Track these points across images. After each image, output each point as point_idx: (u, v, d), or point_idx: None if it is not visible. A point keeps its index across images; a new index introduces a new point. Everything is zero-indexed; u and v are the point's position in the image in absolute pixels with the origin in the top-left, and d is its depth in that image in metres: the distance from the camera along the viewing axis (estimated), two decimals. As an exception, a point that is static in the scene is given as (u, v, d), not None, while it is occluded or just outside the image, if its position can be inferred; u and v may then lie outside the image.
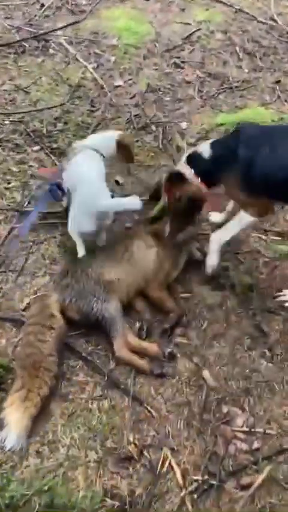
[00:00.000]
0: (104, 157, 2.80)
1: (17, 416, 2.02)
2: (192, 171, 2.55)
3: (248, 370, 2.44)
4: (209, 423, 2.25)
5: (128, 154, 2.92)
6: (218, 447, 2.17)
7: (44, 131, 3.54)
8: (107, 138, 2.87)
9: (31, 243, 2.83)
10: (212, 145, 2.56)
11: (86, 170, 2.65)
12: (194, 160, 2.58)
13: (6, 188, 3.12)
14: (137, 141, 3.57)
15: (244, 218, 2.59)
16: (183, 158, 2.64)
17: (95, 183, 2.62)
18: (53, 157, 3.35)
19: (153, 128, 3.72)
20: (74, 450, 2.08)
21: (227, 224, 2.67)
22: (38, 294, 2.57)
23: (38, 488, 1.94)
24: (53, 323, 2.33)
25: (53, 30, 4.38)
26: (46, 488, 1.94)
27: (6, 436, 2.00)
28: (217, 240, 2.66)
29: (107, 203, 2.60)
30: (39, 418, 2.13)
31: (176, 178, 2.58)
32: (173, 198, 2.57)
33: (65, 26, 4.37)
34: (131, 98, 3.97)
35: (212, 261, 2.69)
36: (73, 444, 2.10)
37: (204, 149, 2.56)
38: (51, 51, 4.31)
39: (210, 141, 2.63)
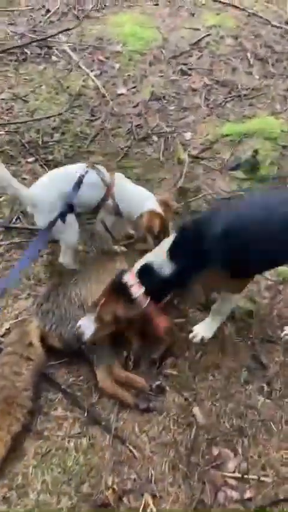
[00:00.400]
0: (121, 215, 2.52)
1: None
2: (143, 289, 2.01)
3: (243, 407, 2.22)
4: (197, 467, 2.04)
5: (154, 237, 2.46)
6: (206, 495, 1.97)
7: (40, 142, 3.39)
8: (137, 202, 2.46)
9: (16, 262, 2.67)
10: (173, 255, 2.02)
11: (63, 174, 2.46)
12: (147, 277, 2.03)
13: (-8, 203, 2.98)
14: (137, 153, 3.40)
15: (235, 299, 2.33)
16: (136, 268, 2.07)
17: (45, 183, 2.41)
18: (48, 170, 3.18)
19: (155, 138, 3.54)
20: (45, 496, 1.90)
21: (220, 308, 2.34)
22: (18, 319, 2.41)
23: None
24: (31, 353, 2.16)
25: (50, 36, 4.24)
26: None
27: None
28: (212, 327, 2.40)
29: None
30: (10, 458, 1.97)
31: (119, 290, 2.05)
32: (107, 315, 2.06)
33: (58, 33, 4.23)
34: (134, 107, 3.80)
35: (208, 333, 2.41)
36: (44, 489, 1.92)
37: (163, 264, 2.02)
38: (53, 58, 4.18)
39: (167, 248, 2.04)
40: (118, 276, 2.08)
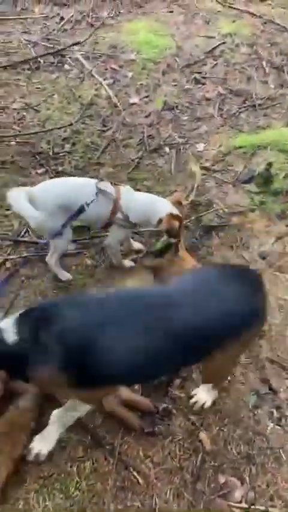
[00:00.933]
0: (132, 223, 2.49)
1: None
2: None
3: (251, 433, 2.16)
4: (203, 495, 1.98)
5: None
6: (211, 525, 1.91)
7: (51, 153, 3.37)
8: (150, 209, 2.46)
9: (23, 277, 2.64)
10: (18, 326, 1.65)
11: (66, 184, 2.48)
12: None
13: (4, 215, 2.96)
14: (148, 164, 3.35)
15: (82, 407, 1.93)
16: None
17: (47, 187, 2.43)
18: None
19: (167, 149, 3.49)
20: (46, 522, 1.87)
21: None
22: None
23: None
24: None
25: (63, 49, 4.19)
26: None
27: None
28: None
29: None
30: (11, 482, 1.92)
31: None
32: None
33: (72, 45, 4.19)
34: (146, 117, 3.76)
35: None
36: (46, 515, 1.88)
37: (7, 328, 1.65)
38: (66, 66, 4.16)
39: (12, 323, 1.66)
40: None
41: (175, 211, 2.45)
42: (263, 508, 1.95)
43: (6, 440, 1.94)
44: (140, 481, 2.01)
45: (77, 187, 2.44)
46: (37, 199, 2.37)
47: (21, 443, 1.97)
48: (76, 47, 4.26)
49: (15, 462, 1.93)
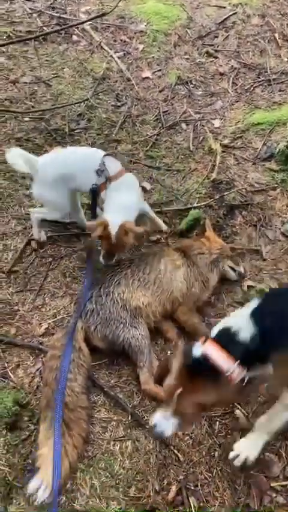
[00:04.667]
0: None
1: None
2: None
3: (284, 408, 2.21)
4: (242, 470, 2.04)
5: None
6: (252, 499, 1.97)
7: (67, 130, 3.28)
8: (110, 207, 2.39)
9: (51, 259, 2.61)
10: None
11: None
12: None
13: (25, 195, 2.89)
14: (165, 141, 3.30)
15: None
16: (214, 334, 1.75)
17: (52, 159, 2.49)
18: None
19: (184, 126, 3.43)
20: (93, 500, 1.90)
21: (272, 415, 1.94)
22: (57, 318, 2.37)
23: None
24: (82, 360, 2.13)
25: (81, 23, 3.99)
26: None
27: (40, 487, 1.83)
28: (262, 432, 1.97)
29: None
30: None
31: (197, 369, 1.70)
32: (189, 407, 1.69)
33: (92, 18, 3.98)
34: (160, 92, 3.67)
35: (253, 452, 1.97)
36: (93, 494, 1.91)
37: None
38: (74, 37, 4.02)
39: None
40: (186, 351, 1.71)
41: (112, 228, 2.29)
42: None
43: (76, 424, 2.00)
44: (181, 458, 2.05)
45: (77, 159, 2.47)
46: (40, 173, 2.46)
47: (86, 421, 2.04)
48: (84, 17, 4.10)
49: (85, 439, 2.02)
